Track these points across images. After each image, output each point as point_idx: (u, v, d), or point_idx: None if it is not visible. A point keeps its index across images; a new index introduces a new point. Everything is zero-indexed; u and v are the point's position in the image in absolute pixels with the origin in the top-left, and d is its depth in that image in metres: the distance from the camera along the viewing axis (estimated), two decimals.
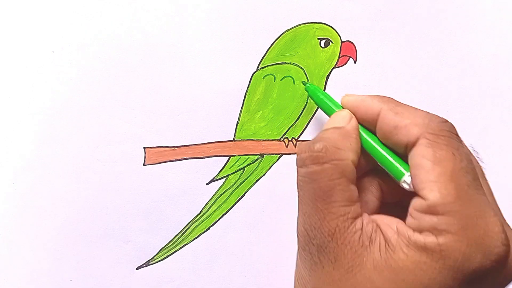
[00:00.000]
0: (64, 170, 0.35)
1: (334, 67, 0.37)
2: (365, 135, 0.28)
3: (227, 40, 0.36)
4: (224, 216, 0.36)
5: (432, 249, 0.23)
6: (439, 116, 0.26)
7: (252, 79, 0.36)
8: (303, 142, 0.26)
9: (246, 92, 0.36)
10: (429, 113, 0.26)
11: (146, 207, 0.35)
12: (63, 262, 0.35)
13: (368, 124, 0.28)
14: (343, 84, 0.37)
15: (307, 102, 0.36)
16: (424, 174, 0.24)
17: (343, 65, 0.37)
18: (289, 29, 0.36)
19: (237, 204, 0.36)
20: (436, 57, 0.38)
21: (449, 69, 0.38)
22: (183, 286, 0.35)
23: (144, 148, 0.35)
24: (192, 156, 0.36)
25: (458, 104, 0.38)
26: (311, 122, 0.36)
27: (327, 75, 0.37)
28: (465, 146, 0.25)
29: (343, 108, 0.29)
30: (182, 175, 0.36)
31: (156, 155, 0.35)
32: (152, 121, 0.35)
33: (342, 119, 0.28)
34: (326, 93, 0.33)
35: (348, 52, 0.37)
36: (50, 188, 0.35)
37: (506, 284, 0.25)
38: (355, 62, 0.37)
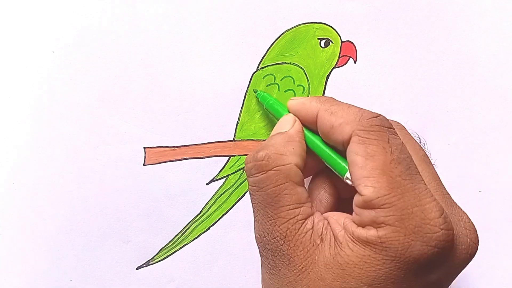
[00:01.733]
0: (64, 170, 0.35)
1: (334, 67, 0.37)
2: (310, 136, 0.29)
3: (227, 40, 0.36)
4: (224, 216, 0.36)
5: (374, 242, 0.23)
6: (371, 112, 0.26)
7: (252, 79, 0.36)
8: (250, 153, 0.27)
9: (246, 92, 0.36)
10: (361, 109, 0.26)
11: (146, 207, 0.35)
12: (63, 262, 0.35)
13: (310, 125, 0.29)
14: (343, 84, 0.37)
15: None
16: (358, 170, 0.24)
17: (343, 65, 0.37)
18: (289, 29, 0.36)
19: (237, 204, 0.36)
20: (436, 57, 0.38)
21: (449, 69, 0.38)
22: (183, 286, 0.35)
23: (144, 148, 0.35)
24: (192, 156, 0.36)
25: (458, 104, 0.38)
26: None
27: (327, 75, 0.37)
28: (398, 137, 0.25)
29: (289, 112, 0.30)
30: (182, 175, 0.36)
31: (156, 155, 0.35)
32: (152, 121, 0.35)
33: (286, 123, 0.29)
34: (275, 99, 0.34)
35: (348, 52, 0.37)
36: (50, 188, 0.35)
37: (458, 271, 0.25)
38: (355, 62, 0.37)
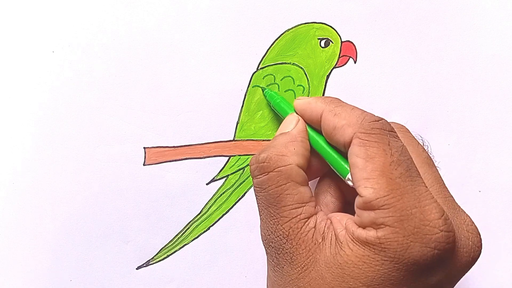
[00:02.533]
0: (64, 170, 0.35)
1: (334, 67, 0.37)
2: (315, 136, 0.29)
3: (227, 40, 0.36)
4: (224, 216, 0.36)
5: (373, 243, 0.23)
6: (373, 115, 0.26)
7: (252, 79, 0.36)
8: (254, 155, 0.28)
9: (246, 92, 0.36)
10: (364, 112, 0.27)
11: (146, 207, 0.35)
12: (63, 262, 0.35)
13: (315, 125, 0.29)
14: (343, 84, 0.37)
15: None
16: (358, 172, 0.25)
17: (343, 65, 0.37)
18: (289, 29, 0.36)
19: (237, 204, 0.36)
20: (436, 57, 0.38)
21: (449, 69, 0.38)
22: (183, 286, 0.35)
23: (144, 148, 0.35)
24: (192, 156, 0.36)
25: (458, 104, 0.38)
26: None
27: (327, 75, 0.37)
28: (399, 140, 0.26)
29: (294, 112, 0.31)
30: (182, 175, 0.36)
31: (156, 155, 0.35)
32: (152, 121, 0.35)
33: (289, 123, 0.30)
34: (282, 97, 0.34)
35: (348, 52, 0.37)
36: (50, 188, 0.35)
37: (460, 275, 0.25)
38: (355, 62, 0.37)
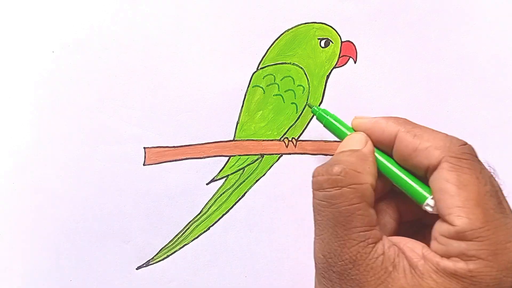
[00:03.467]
0: (64, 170, 0.35)
1: (334, 67, 0.37)
2: (381, 158, 0.27)
3: (227, 40, 0.36)
4: (224, 216, 0.36)
5: (463, 275, 0.22)
6: (459, 139, 0.25)
7: (252, 79, 0.36)
8: (320, 165, 0.26)
9: (246, 92, 0.36)
10: (448, 135, 0.26)
11: (146, 207, 0.35)
12: (63, 262, 0.35)
13: (383, 146, 0.27)
14: (343, 84, 0.37)
15: (307, 102, 0.36)
16: (449, 199, 0.24)
17: (343, 65, 0.37)
18: (289, 29, 0.36)
19: (237, 204, 0.36)
20: (436, 57, 0.38)
21: (449, 69, 0.38)
22: (183, 286, 0.35)
23: (144, 148, 0.35)
24: (192, 156, 0.36)
25: (458, 104, 0.38)
26: (311, 122, 0.36)
27: (327, 75, 0.37)
28: (486, 169, 0.25)
29: (354, 130, 0.29)
30: (182, 175, 0.36)
31: (156, 155, 0.35)
32: (152, 121, 0.35)
33: (358, 142, 0.28)
34: (334, 115, 0.31)
35: (348, 52, 0.37)
36: (50, 188, 0.35)
37: None
38: (355, 62, 0.37)
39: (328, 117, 0.31)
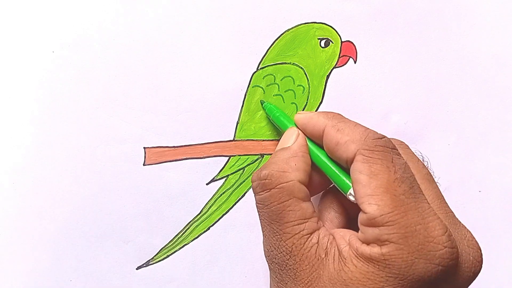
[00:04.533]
0: (64, 170, 0.35)
1: (334, 67, 0.37)
2: (316, 151, 0.29)
3: (227, 40, 0.36)
4: (224, 216, 0.36)
5: (377, 259, 0.24)
6: (376, 133, 0.27)
7: (252, 79, 0.36)
8: (256, 171, 0.28)
9: (246, 92, 0.36)
10: (367, 129, 0.27)
11: (146, 207, 0.35)
12: (63, 262, 0.35)
13: (316, 140, 0.29)
14: (343, 84, 0.37)
15: (307, 102, 0.36)
16: (362, 188, 0.25)
17: (343, 65, 0.37)
18: (289, 29, 0.36)
19: (237, 204, 0.36)
20: (436, 57, 0.38)
21: (449, 69, 0.38)
22: (183, 286, 0.35)
23: (144, 148, 0.35)
24: (192, 156, 0.36)
25: (458, 104, 0.38)
26: None
27: (327, 75, 0.37)
28: (401, 157, 0.26)
29: (295, 126, 0.31)
30: (182, 175, 0.36)
31: (156, 155, 0.35)
32: (152, 121, 0.35)
33: (289, 138, 0.30)
34: (281, 111, 0.34)
35: (348, 52, 0.37)
36: (50, 188, 0.35)
37: None
38: (355, 62, 0.37)
39: (275, 112, 0.33)
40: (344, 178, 0.27)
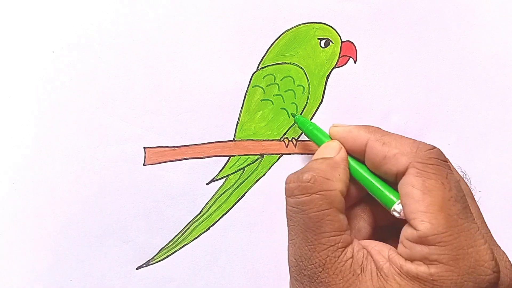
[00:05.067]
0: (64, 170, 0.35)
1: (334, 67, 0.37)
2: (355, 164, 0.28)
3: (227, 40, 0.36)
4: (224, 216, 0.36)
5: (424, 279, 0.23)
6: (426, 144, 0.26)
7: (252, 79, 0.36)
8: (292, 173, 0.27)
9: (246, 92, 0.36)
10: (416, 141, 0.26)
11: (146, 207, 0.35)
12: (63, 262, 0.35)
13: (356, 154, 0.29)
14: (343, 84, 0.37)
15: (307, 102, 0.36)
16: (414, 204, 0.24)
17: (343, 65, 0.37)
18: (289, 29, 0.36)
19: (237, 204, 0.36)
20: (436, 57, 0.38)
21: (449, 69, 0.38)
22: (183, 286, 0.35)
23: (144, 148, 0.35)
24: (192, 156, 0.36)
25: (458, 104, 0.38)
26: None
27: (327, 75, 0.37)
28: (455, 171, 0.25)
29: (331, 138, 0.30)
30: (182, 175, 0.36)
31: (156, 155, 0.35)
32: (152, 121, 0.35)
33: (331, 149, 0.29)
34: (314, 123, 0.33)
35: (348, 52, 0.37)
36: (50, 188, 0.35)
37: None
38: (355, 62, 0.37)
39: (308, 125, 0.33)
40: (388, 193, 0.26)
